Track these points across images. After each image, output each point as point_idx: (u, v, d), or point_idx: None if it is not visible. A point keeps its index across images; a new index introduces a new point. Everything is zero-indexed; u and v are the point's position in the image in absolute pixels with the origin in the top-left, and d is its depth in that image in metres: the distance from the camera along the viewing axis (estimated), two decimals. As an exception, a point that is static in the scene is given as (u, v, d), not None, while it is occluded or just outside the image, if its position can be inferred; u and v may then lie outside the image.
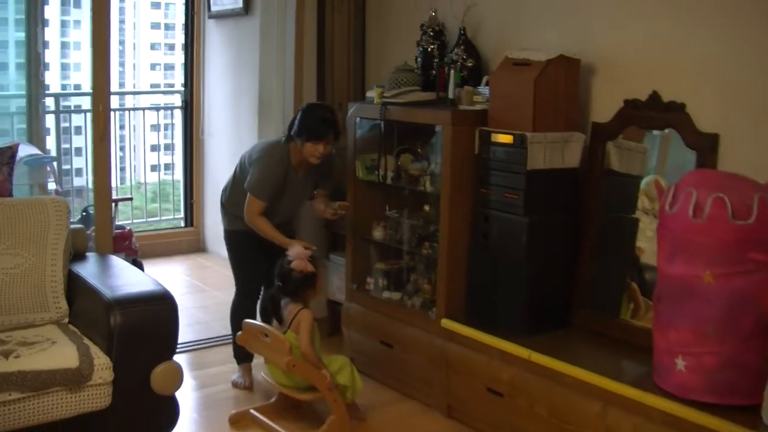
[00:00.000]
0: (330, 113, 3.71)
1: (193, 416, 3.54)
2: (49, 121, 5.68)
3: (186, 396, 3.64)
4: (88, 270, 3.40)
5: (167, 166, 6.91)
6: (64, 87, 10.65)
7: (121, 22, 11.97)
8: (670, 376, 2.77)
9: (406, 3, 4.42)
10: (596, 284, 3.45)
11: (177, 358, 3.09)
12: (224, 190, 3.91)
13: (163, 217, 6.77)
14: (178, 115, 6.57)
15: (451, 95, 3.75)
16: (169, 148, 6.85)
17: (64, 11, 10.80)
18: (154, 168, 7.54)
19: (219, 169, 6.03)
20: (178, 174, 6.67)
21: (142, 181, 7.65)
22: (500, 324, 3.39)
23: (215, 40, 6.07)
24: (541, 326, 3.37)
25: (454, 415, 3.57)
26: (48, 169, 5.20)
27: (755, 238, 2.59)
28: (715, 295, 2.64)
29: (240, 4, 5.55)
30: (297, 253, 3.48)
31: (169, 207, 6.83)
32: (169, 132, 6.77)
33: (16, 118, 5.36)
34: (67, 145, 6.46)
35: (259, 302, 3.85)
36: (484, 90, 3.63)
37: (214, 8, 5.94)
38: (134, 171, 7.89)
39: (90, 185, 6.70)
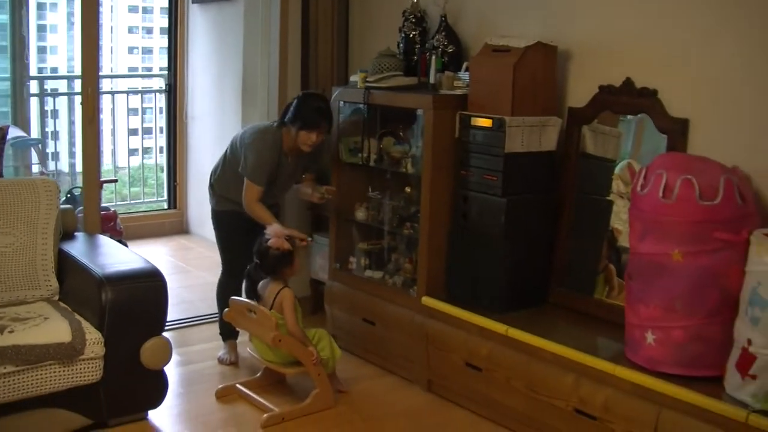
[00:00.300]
0: (325, 103, 3.79)
1: (180, 391, 3.62)
2: (32, 105, 5.70)
3: (172, 372, 3.71)
4: (77, 249, 3.47)
5: (147, 150, 6.92)
6: (40, 70, 10.55)
7: (99, 5, 11.82)
8: (640, 350, 2.90)
9: (388, -11, 4.49)
10: (572, 263, 3.57)
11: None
12: (213, 171, 3.95)
13: (144, 200, 6.80)
14: (160, 98, 6.58)
15: (432, 80, 3.84)
16: (148, 132, 6.86)
17: (41, -7, 10.69)
18: (132, 152, 7.53)
19: (202, 151, 6.08)
20: (159, 158, 6.65)
21: (122, 165, 7.62)
22: (479, 301, 3.49)
23: (199, 24, 6.08)
24: (519, 303, 3.48)
25: (434, 390, 3.68)
26: (33, 151, 5.24)
27: (721, 218, 2.71)
28: (683, 273, 2.76)
29: (224, -12, 5.57)
30: (274, 231, 3.53)
31: (149, 191, 6.85)
32: (148, 116, 6.76)
33: (1, 100, 5.36)
34: (47, 129, 6.46)
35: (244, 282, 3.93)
36: (464, 75, 3.71)
37: (197, -8, 5.96)
38: (113, 155, 7.87)
39: (67, 169, 6.74)
